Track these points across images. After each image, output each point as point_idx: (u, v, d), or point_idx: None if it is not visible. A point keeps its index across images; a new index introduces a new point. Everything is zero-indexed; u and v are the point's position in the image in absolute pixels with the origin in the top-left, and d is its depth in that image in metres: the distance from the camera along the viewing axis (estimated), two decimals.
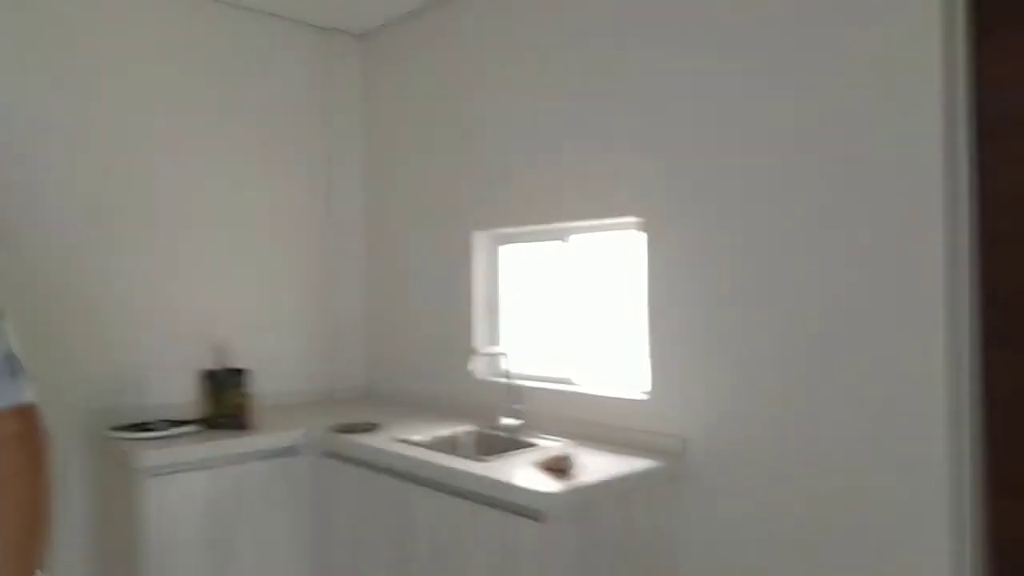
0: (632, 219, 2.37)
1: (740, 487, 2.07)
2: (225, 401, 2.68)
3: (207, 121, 3.02)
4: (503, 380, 2.68)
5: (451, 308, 3.00)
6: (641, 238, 2.33)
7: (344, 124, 3.42)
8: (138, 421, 2.68)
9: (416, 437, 2.47)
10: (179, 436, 2.55)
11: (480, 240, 2.93)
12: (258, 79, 3.16)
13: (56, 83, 2.67)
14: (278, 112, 3.22)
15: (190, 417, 2.73)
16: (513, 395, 2.58)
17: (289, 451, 2.63)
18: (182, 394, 2.85)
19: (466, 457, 2.20)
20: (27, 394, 1.25)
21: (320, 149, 3.36)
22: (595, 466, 2.08)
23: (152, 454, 2.36)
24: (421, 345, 3.15)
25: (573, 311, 2.65)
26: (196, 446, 2.46)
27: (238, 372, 2.71)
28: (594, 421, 2.43)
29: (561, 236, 2.68)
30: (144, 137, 2.86)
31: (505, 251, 2.93)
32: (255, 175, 3.16)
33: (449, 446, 2.47)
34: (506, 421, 2.55)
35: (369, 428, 2.63)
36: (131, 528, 2.39)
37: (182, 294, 2.93)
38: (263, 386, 2.93)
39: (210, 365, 2.76)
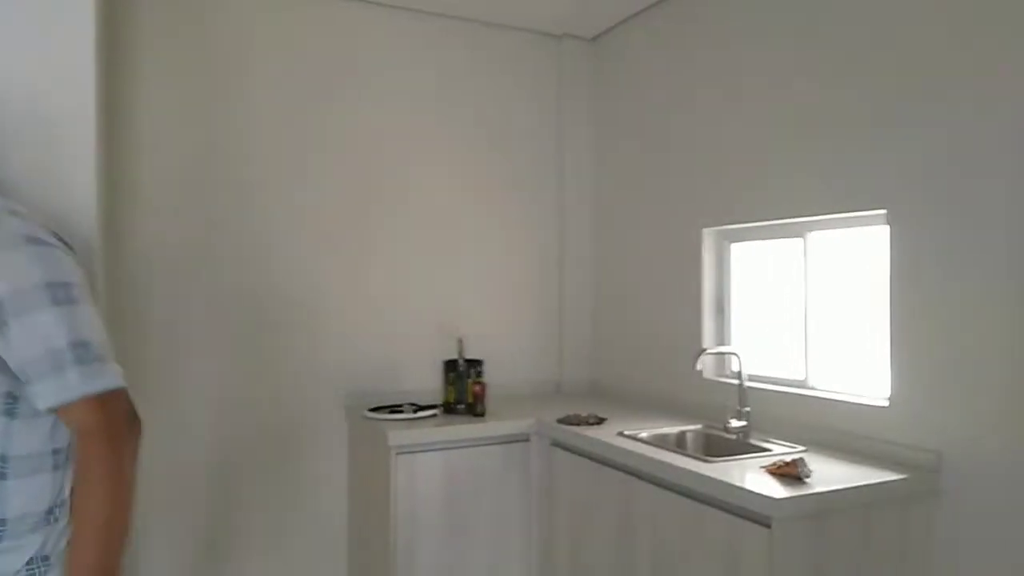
0: (876, 212, 2.20)
1: (1011, 510, 1.84)
2: (463, 389, 2.89)
3: (447, 128, 3.27)
4: (732, 381, 2.61)
5: (678, 306, 2.97)
6: (886, 231, 2.15)
7: (573, 125, 3.52)
8: (390, 404, 2.96)
9: (641, 433, 2.49)
10: (423, 419, 2.79)
11: (709, 237, 2.87)
12: (491, 86, 3.36)
13: (323, 95, 3.03)
14: (511, 116, 3.40)
15: (433, 402, 2.97)
16: (742, 396, 2.50)
17: (519, 438, 2.77)
18: (427, 381, 3.11)
19: (692, 456, 2.17)
20: (101, 382, 1.17)
21: (550, 150, 3.49)
22: (830, 474, 1.97)
23: (400, 434, 2.61)
24: (647, 342, 3.16)
25: (809, 310, 2.51)
26: (437, 429, 2.68)
27: (475, 363, 2.91)
28: (829, 427, 2.29)
29: (797, 232, 2.55)
30: (393, 146, 3.16)
31: (735, 248, 2.85)
32: (489, 179, 3.36)
33: (674, 444, 2.46)
34: (734, 423, 2.48)
35: (595, 421, 2.69)
36: (383, 496, 2.66)
37: (427, 292, 3.20)
38: (496, 377, 3.10)
39: (451, 356, 2.98)
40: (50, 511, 1.22)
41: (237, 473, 2.87)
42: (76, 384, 1.14)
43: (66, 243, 1.27)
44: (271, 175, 2.95)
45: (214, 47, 2.85)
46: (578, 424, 2.66)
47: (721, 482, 1.93)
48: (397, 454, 2.59)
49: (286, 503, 2.95)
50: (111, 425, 1.17)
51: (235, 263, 2.87)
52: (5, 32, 1.58)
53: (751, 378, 2.58)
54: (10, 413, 1.17)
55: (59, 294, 1.16)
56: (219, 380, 2.84)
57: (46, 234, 1.22)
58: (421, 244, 3.20)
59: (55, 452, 1.23)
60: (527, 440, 2.78)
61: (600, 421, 2.70)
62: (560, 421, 2.71)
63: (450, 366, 2.94)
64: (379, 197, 3.13)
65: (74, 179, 1.64)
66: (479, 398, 2.84)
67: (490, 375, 3.04)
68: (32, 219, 1.24)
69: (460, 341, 2.99)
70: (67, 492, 1.25)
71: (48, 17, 1.62)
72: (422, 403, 2.95)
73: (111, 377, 1.19)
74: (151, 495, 2.68)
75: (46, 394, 1.14)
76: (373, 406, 2.93)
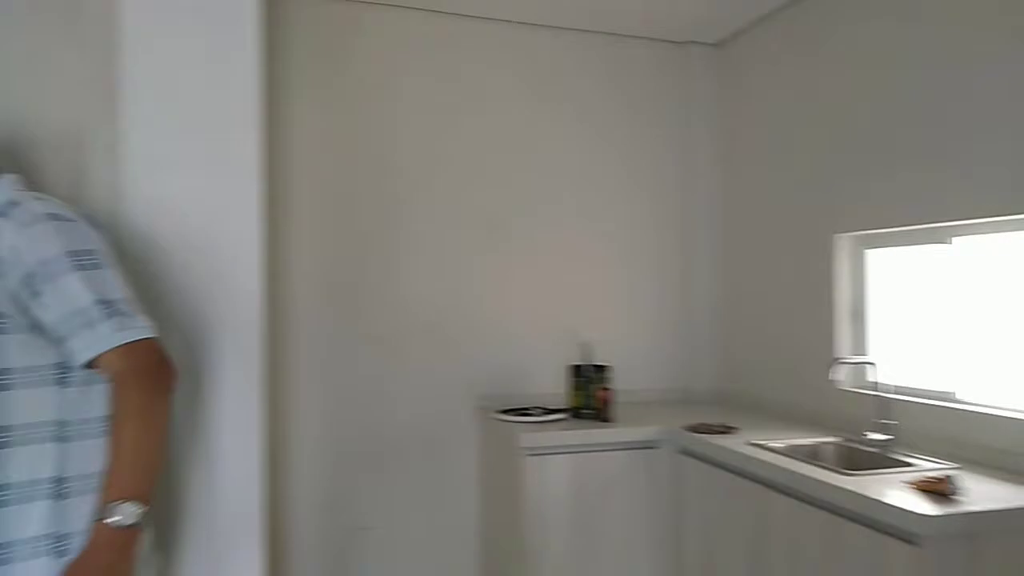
0: None
1: None
2: (590, 394, 2.94)
3: (572, 137, 3.33)
4: (870, 392, 2.53)
5: (811, 314, 2.90)
6: None
7: (699, 130, 3.49)
8: (519, 407, 3.04)
9: (773, 443, 2.45)
10: (552, 422, 2.85)
11: (843, 243, 2.79)
12: (616, 96, 3.39)
13: (459, 112, 3.16)
14: (635, 124, 3.42)
15: (560, 406, 3.03)
16: (882, 408, 2.42)
17: (647, 445, 2.79)
18: (553, 385, 3.17)
19: (830, 469, 2.13)
20: (128, 333, 1.28)
21: (675, 155, 3.48)
22: (984, 493, 1.88)
23: (530, 436, 2.68)
24: (777, 350, 3.10)
25: (957, 319, 2.40)
26: (565, 432, 2.74)
27: (601, 368, 2.95)
28: (980, 443, 2.18)
29: (941, 237, 2.44)
30: (521, 157, 3.25)
31: (872, 254, 2.75)
32: (614, 185, 3.39)
33: (809, 456, 2.41)
34: (873, 436, 2.41)
35: (724, 430, 2.68)
36: (513, 497, 2.74)
37: (554, 297, 3.27)
38: (623, 383, 3.12)
39: (577, 361, 3.03)
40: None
41: (375, 467, 3.03)
42: (106, 336, 1.26)
43: (90, 219, 1.40)
44: (411, 190, 3.11)
45: (358, 70, 3.04)
46: (707, 432, 2.65)
47: (864, 496, 1.88)
48: (528, 455, 2.66)
49: (420, 499, 3.09)
50: (140, 370, 1.29)
51: (380, 273, 3.05)
52: (176, 59, 1.73)
53: (895, 390, 2.49)
54: (62, 382, 1.32)
55: (82, 260, 1.29)
56: (364, 380, 3.02)
57: (68, 211, 1.35)
58: (549, 251, 3.28)
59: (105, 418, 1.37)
60: (655, 447, 2.79)
61: (729, 430, 2.68)
62: (688, 429, 2.71)
63: (576, 371, 2.99)
64: (509, 207, 3.23)
65: (240, 196, 1.78)
66: (606, 403, 2.88)
67: (619, 381, 3.07)
68: (54, 200, 1.39)
69: (586, 346, 3.03)
70: None
71: (215, 38, 1.77)
72: (549, 407, 3.01)
73: (138, 328, 1.31)
74: (301, 480, 2.88)
75: (80, 348, 1.26)
76: (502, 408, 3.01)
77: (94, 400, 1.36)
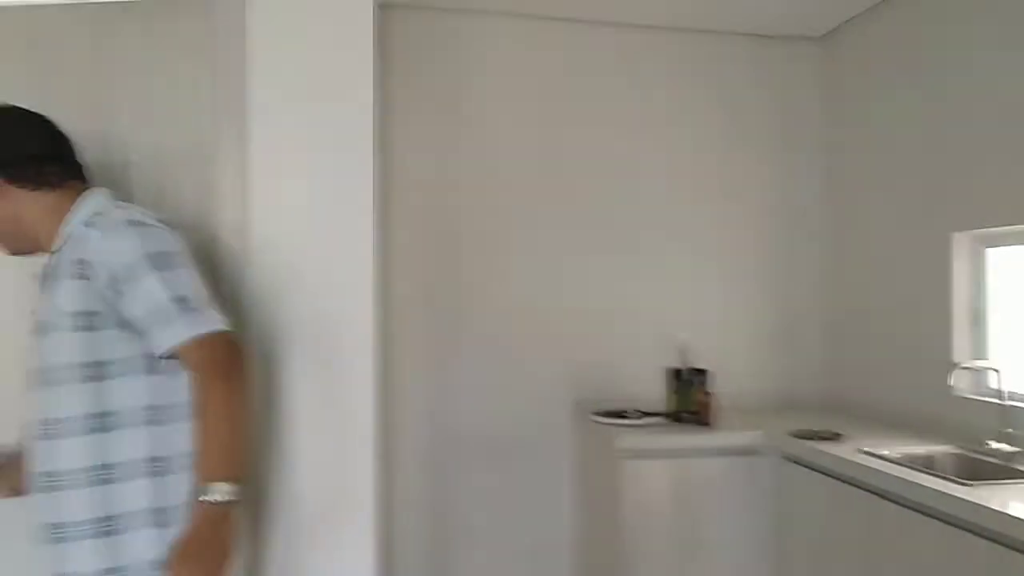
0: None
1: None
2: (689, 398, 2.90)
3: (670, 137, 3.29)
4: (993, 399, 2.39)
5: (925, 316, 2.77)
6: None
7: (802, 127, 3.40)
8: (615, 409, 3.03)
9: (885, 451, 2.35)
10: (649, 426, 2.83)
11: (961, 242, 2.65)
12: (715, 93, 3.33)
13: (556, 114, 3.18)
14: (736, 121, 3.35)
15: (658, 410, 3.00)
16: (1006, 416, 2.29)
17: (748, 451, 2.73)
18: (649, 389, 3.14)
19: (948, 479, 2.03)
20: (201, 327, 1.41)
21: (776, 154, 3.39)
22: None
23: (628, 439, 2.67)
24: (886, 354, 2.97)
25: None
26: (664, 436, 2.72)
27: (701, 372, 2.90)
28: None
29: None
30: (618, 157, 3.24)
31: (994, 253, 2.61)
32: (713, 185, 3.33)
33: (924, 465, 2.30)
34: (995, 445, 2.28)
35: (831, 436, 2.59)
36: (610, 499, 2.73)
37: (651, 299, 3.24)
38: (722, 386, 3.06)
39: (675, 364, 3.00)
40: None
41: (473, 467, 3.09)
42: (181, 330, 1.40)
43: (169, 224, 1.53)
44: (511, 194, 3.15)
45: (458, 77, 3.11)
46: (813, 439, 2.57)
47: (989, 508, 1.78)
48: (625, 458, 2.65)
49: (518, 498, 3.12)
50: (215, 359, 1.42)
51: (480, 275, 3.11)
52: (298, 79, 1.88)
53: (1017, 397, 2.35)
54: (151, 371, 1.46)
55: (159, 262, 1.42)
56: (463, 380, 3.09)
57: (147, 218, 1.49)
58: (648, 252, 3.26)
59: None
60: (758, 453, 2.73)
61: (836, 436, 2.59)
62: (793, 435, 2.64)
63: (676, 374, 2.95)
64: (608, 208, 3.23)
65: (355, 202, 1.92)
66: (706, 408, 2.83)
67: (719, 385, 3.01)
68: (135, 209, 1.54)
69: (684, 349, 2.99)
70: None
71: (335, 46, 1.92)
72: (647, 410, 2.99)
73: (211, 323, 1.43)
74: (398, 478, 2.96)
75: (160, 341, 1.41)
76: (598, 410, 3.01)
77: (180, 386, 1.49)
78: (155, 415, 1.47)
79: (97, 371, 1.43)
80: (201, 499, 1.37)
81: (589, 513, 3.03)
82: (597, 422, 2.89)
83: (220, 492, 1.37)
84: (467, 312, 3.09)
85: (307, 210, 1.89)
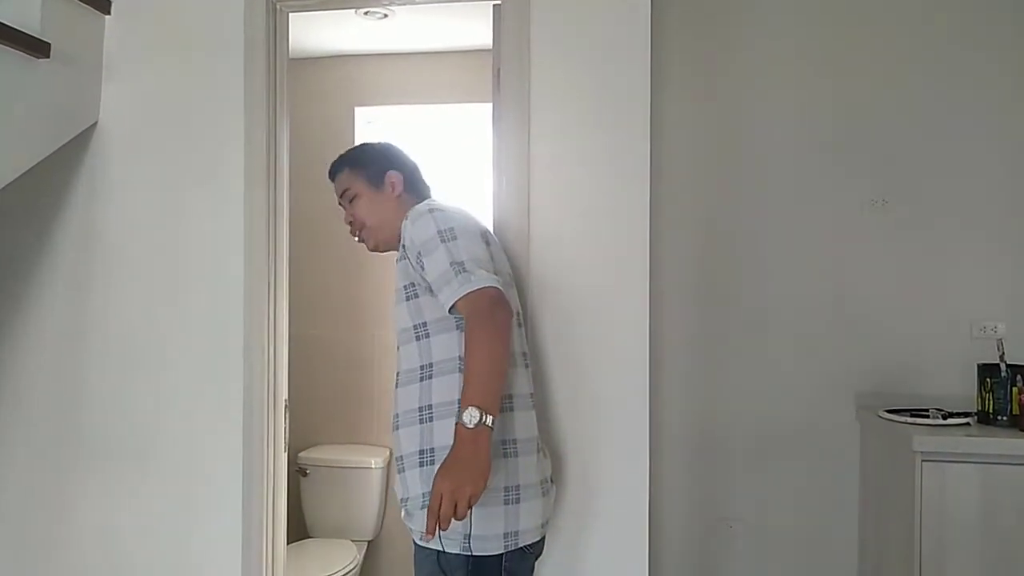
0: None
1: None
2: (1004, 398, 2.54)
3: (960, 106, 2.86)
4: None
5: None
6: None
7: None
8: (910, 407, 2.74)
9: None
10: (953, 427, 2.53)
11: None
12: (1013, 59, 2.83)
13: (829, 98, 2.93)
14: None
15: (964, 410, 2.67)
16: None
17: None
18: (952, 387, 2.79)
19: None
20: (472, 285, 1.61)
21: None
22: None
23: (927, 439, 2.39)
24: None
25: None
26: (972, 439, 2.39)
27: (1020, 369, 2.53)
28: None
29: None
30: (905, 131, 2.90)
31: None
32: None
33: None
34: None
35: None
36: (904, 504, 2.48)
37: (952, 287, 2.86)
38: None
39: (989, 360, 2.64)
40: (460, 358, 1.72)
41: (744, 463, 2.97)
42: (457, 288, 1.63)
43: (461, 208, 1.83)
44: (781, 178, 2.97)
45: (727, 60, 2.99)
46: None
47: None
48: (923, 461, 2.40)
49: (792, 497, 2.94)
50: (481, 311, 1.61)
51: (751, 262, 2.97)
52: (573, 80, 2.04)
53: None
54: (459, 327, 1.70)
55: (445, 236, 1.70)
56: (732, 372, 2.98)
57: (444, 204, 1.81)
58: (943, 235, 2.87)
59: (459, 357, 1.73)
60: None
61: None
62: None
63: (988, 371, 2.60)
64: (890, 189, 2.90)
65: (632, 197, 2.01)
66: None
67: None
68: (439, 202, 1.86)
69: (1000, 343, 2.62)
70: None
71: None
72: (949, 409, 2.67)
73: (479, 281, 1.63)
74: (667, 471, 2.95)
75: (444, 300, 1.65)
76: (890, 408, 2.75)
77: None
78: (463, 364, 1.69)
79: (423, 331, 1.75)
80: (458, 422, 1.53)
81: (876, 518, 2.78)
82: (889, 420, 2.64)
83: (474, 416, 1.52)
84: (736, 303, 2.97)
85: (584, 202, 2.03)
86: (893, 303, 2.88)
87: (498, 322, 1.60)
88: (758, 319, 2.96)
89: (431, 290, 1.71)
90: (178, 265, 2.24)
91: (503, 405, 1.70)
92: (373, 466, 3.48)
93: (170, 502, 2.22)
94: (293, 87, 3.59)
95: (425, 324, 1.74)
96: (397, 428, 1.76)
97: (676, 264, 2.99)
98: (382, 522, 3.61)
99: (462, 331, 1.68)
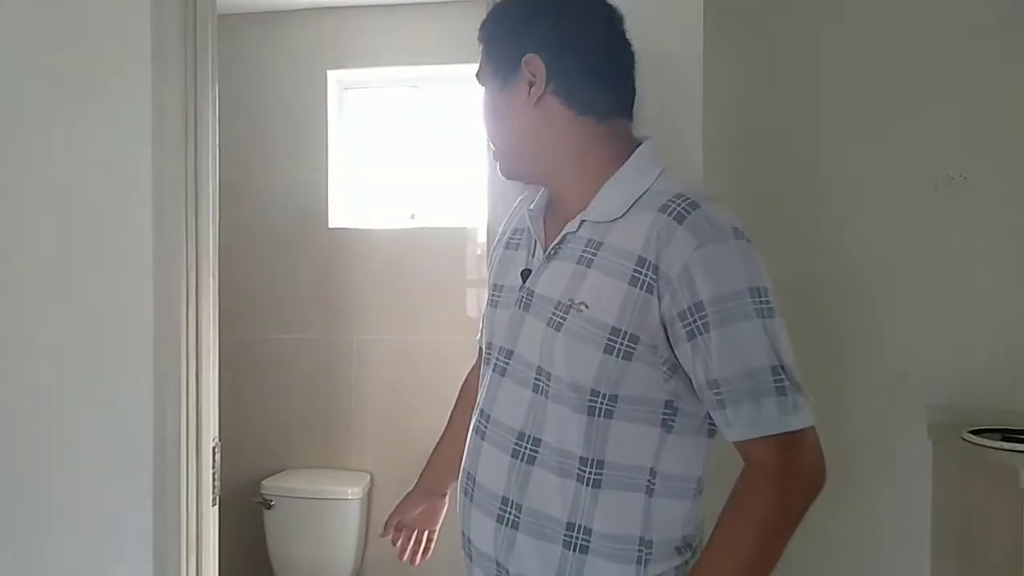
0: None
1: None
2: None
3: None
4: None
5: None
6: None
7: None
8: (1006, 426, 2.23)
9: None
10: None
11: None
12: None
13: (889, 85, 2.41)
14: None
15: None
16: None
17: None
18: None
19: None
20: (798, 418, 1.05)
21: None
22: None
23: None
24: None
25: None
26: None
27: None
28: None
29: None
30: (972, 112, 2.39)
31: None
32: None
33: None
34: None
35: None
36: (1006, 555, 1.98)
37: None
38: None
39: None
40: (684, 539, 1.17)
41: None
42: (773, 417, 1.04)
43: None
44: (837, 152, 2.47)
45: (780, 44, 2.46)
46: None
47: None
48: None
49: (841, 537, 2.42)
50: (792, 470, 1.06)
51: (800, 251, 2.46)
52: None
53: None
54: (667, 426, 1.12)
55: (762, 304, 1.06)
56: None
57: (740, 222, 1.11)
58: None
59: (699, 479, 1.18)
60: None
61: None
62: None
63: None
64: (985, 165, 2.40)
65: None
66: None
67: None
68: (718, 199, 1.13)
69: None
70: (698, 526, 1.21)
71: None
72: None
73: (807, 413, 1.07)
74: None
75: (738, 423, 1.05)
76: (976, 427, 2.24)
77: (696, 454, 1.18)
78: (653, 481, 1.19)
79: (603, 404, 1.15)
80: None
81: (959, 564, 2.28)
82: (979, 445, 2.14)
83: None
84: (790, 300, 2.41)
85: None
86: (973, 296, 2.39)
87: (807, 504, 1.09)
88: (809, 314, 2.43)
89: (675, 371, 1.10)
90: (75, 263, 1.74)
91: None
92: (350, 496, 3.00)
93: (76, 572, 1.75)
94: (252, 47, 3.29)
95: (615, 399, 1.09)
96: (507, 524, 1.14)
97: None
98: (361, 561, 3.14)
99: (669, 432, 1.13)
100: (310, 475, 3.14)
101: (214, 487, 1.75)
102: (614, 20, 1.17)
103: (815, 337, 2.44)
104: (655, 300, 1.04)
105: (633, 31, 1.23)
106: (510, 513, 1.12)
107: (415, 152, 3.34)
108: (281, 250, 3.30)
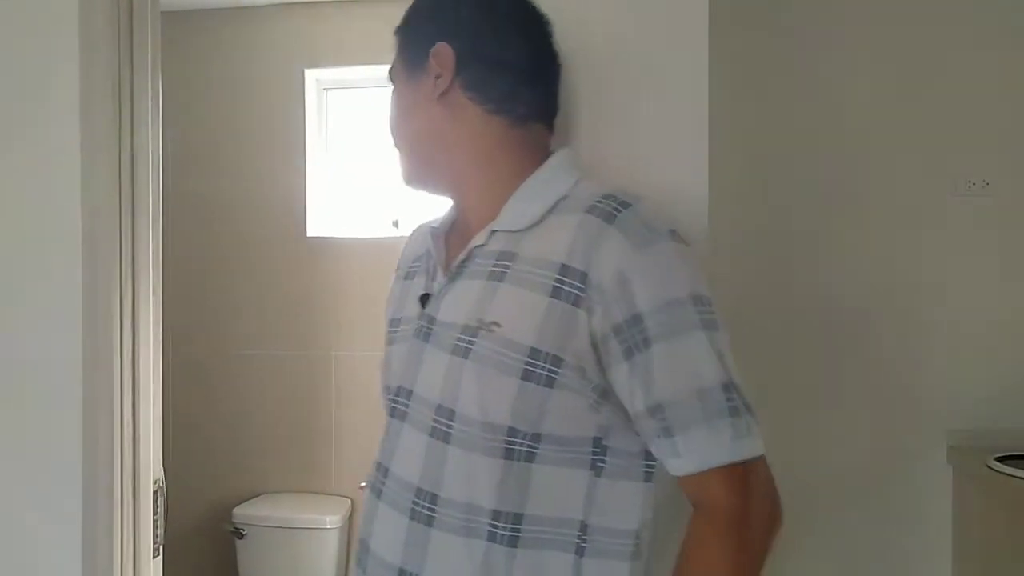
0: None
1: None
2: None
3: None
4: None
5: None
6: None
7: None
8: None
9: None
10: None
11: None
12: None
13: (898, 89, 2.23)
14: None
15: None
16: None
17: None
18: None
19: None
20: (749, 445, 0.88)
21: None
22: None
23: None
24: None
25: None
26: None
27: None
28: None
29: None
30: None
31: None
32: None
33: None
34: None
35: None
36: None
37: None
38: None
39: None
40: None
41: (794, 527, 2.29)
42: (728, 443, 0.87)
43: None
44: (852, 160, 2.29)
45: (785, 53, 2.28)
46: None
47: None
48: None
49: (856, 562, 2.25)
50: (748, 507, 0.88)
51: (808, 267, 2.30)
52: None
53: None
54: (596, 468, 0.94)
55: (705, 312, 0.90)
56: (775, 405, 2.30)
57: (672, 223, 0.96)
58: None
59: (637, 534, 0.96)
60: None
61: None
62: None
63: None
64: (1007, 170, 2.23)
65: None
66: None
67: None
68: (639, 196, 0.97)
69: None
70: None
71: None
72: None
73: (759, 437, 0.91)
74: None
75: (689, 452, 0.88)
76: (1002, 453, 2.06)
77: (630, 503, 0.98)
78: (583, 538, 1.02)
79: (526, 447, 1.00)
80: None
81: None
82: (1009, 475, 1.96)
83: None
84: (794, 310, 2.29)
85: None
86: (999, 313, 2.22)
87: (770, 545, 0.93)
88: (818, 330, 2.28)
89: (606, 399, 0.93)
90: None
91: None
92: (328, 525, 2.80)
93: None
94: (223, 44, 3.12)
95: (537, 437, 0.91)
96: None
97: (727, 271, 2.32)
98: None
99: (599, 476, 0.95)
100: (286, 501, 2.95)
101: (156, 536, 1.54)
102: (540, 23, 1.06)
103: (830, 354, 2.28)
104: (583, 314, 0.88)
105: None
106: None
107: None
108: (257, 261, 3.12)
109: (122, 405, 1.47)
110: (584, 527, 0.92)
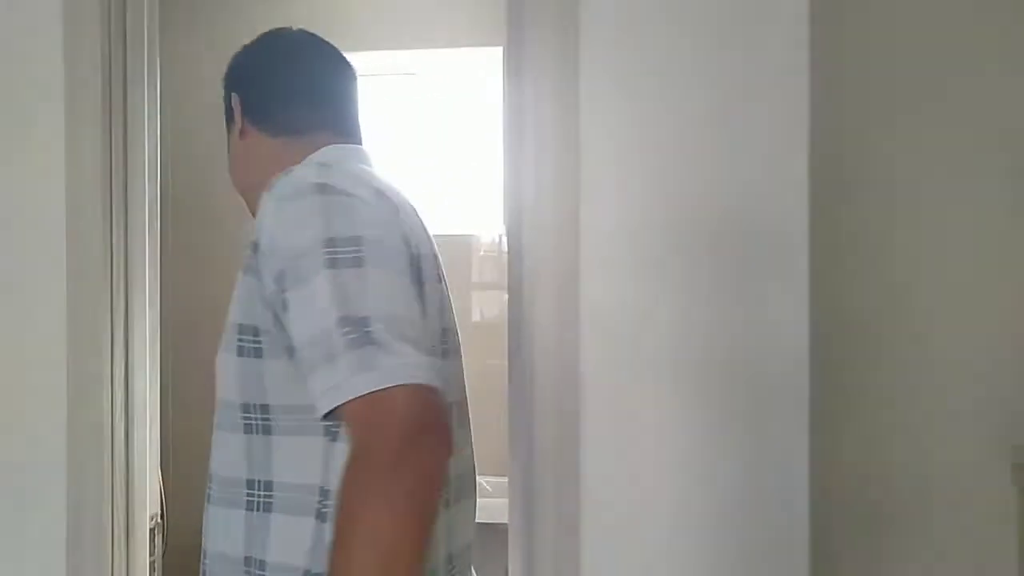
0: None
1: None
2: None
3: None
4: None
5: None
6: None
7: None
8: None
9: None
10: None
11: None
12: None
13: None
14: None
15: None
16: None
17: None
18: None
19: None
20: (379, 375, 0.83)
21: None
22: None
23: None
24: None
25: None
26: None
27: None
28: None
29: None
30: None
31: None
32: None
33: None
34: None
35: None
36: None
37: None
38: None
39: None
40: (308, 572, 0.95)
41: (835, 537, 2.19)
42: (347, 376, 0.84)
43: (393, 196, 1.04)
44: (922, 157, 2.17)
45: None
46: None
47: None
48: None
49: None
50: (385, 442, 0.83)
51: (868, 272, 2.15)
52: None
53: None
54: (331, 434, 0.95)
55: (339, 252, 0.89)
56: (823, 418, 2.21)
57: (357, 184, 0.99)
58: None
59: (324, 491, 0.95)
60: None
61: None
62: None
63: None
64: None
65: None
66: None
67: None
68: (345, 167, 1.06)
69: None
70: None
71: None
72: None
73: (397, 367, 0.84)
74: None
75: (317, 390, 0.87)
76: None
77: (309, 458, 1.01)
78: (328, 508, 1.06)
79: (259, 420, 1.09)
80: None
81: None
82: None
83: None
84: (849, 322, 2.16)
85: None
86: None
87: (429, 474, 0.85)
88: (852, 338, 2.18)
89: (290, 354, 0.93)
90: None
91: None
92: None
93: None
94: (222, 28, 3.00)
95: (266, 408, 0.97)
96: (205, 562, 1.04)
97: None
98: None
99: (335, 440, 0.95)
100: None
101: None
102: (304, 46, 1.25)
103: (884, 370, 2.18)
104: (255, 281, 0.96)
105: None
106: (204, 564, 1.03)
107: (413, 149, 3.08)
108: None
109: (113, 436, 1.33)
110: (324, 492, 0.95)
